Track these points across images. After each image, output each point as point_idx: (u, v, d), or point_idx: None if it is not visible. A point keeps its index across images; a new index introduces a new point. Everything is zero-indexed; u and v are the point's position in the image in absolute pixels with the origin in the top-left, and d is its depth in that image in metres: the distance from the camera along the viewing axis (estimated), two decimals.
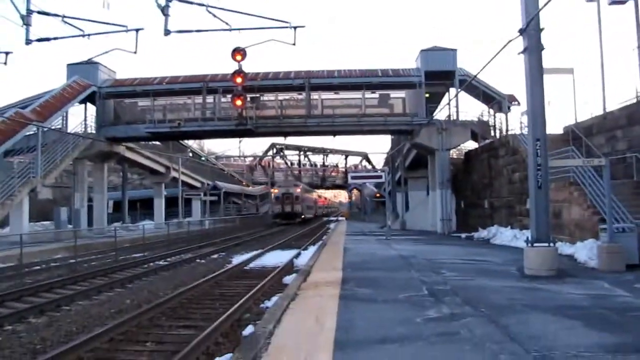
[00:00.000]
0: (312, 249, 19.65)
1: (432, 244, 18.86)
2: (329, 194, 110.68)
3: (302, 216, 50.45)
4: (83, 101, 27.78)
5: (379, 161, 68.74)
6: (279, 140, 68.78)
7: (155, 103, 28.88)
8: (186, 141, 47.32)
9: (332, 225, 43.23)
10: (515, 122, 73.66)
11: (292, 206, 48.95)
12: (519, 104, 26.48)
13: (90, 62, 27.40)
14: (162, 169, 39.41)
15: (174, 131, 27.65)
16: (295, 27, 16.84)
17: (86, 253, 18.93)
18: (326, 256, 14.28)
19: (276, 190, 50.58)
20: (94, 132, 28.07)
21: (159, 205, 38.91)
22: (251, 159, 75.89)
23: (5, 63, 15.68)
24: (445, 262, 12.12)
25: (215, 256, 19.40)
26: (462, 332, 5.52)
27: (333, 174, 78.43)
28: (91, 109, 28.58)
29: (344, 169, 77.19)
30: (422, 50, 26.85)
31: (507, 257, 13.05)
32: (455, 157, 30.81)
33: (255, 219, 53.21)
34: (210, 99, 28.17)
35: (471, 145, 28.81)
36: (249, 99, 25.72)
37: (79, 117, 28.61)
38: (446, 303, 7.04)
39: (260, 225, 45.62)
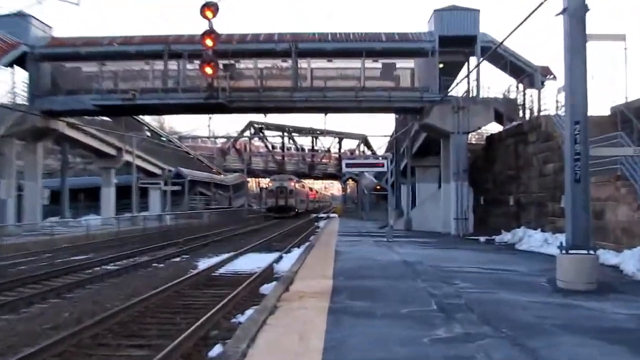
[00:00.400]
0: (296, 252, 19.69)
1: (444, 248, 18.92)
2: (318, 185, 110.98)
3: (296, 210, 61.26)
4: (10, 64, 27.31)
5: (380, 146, 68.69)
6: (258, 118, 68.50)
7: (104, 69, 28.51)
8: (143, 117, 46.89)
9: (321, 224, 43.24)
10: (549, 100, 73.86)
11: (286, 200, 59.28)
12: (554, 78, 26.54)
13: (19, 15, 26.92)
14: (112, 151, 39.06)
15: (128, 104, 27.36)
16: None
17: (14, 255, 18.74)
18: (314, 261, 14.29)
19: (270, 184, 62.33)
20: (25, 103, 27.66)
21: (108, 196, 38.61)
22: (223, 140, 75.62)
23: None
24: (459, 271, 12.17)
25: (177, 259, 19.41)
26: (477, 356, 5.52)
27: (324, 160, 78.46)
28: (21, 74, 28.16)
29: (337, 155, 77.18)
30: (436, 11, 26.73)
31: (536, 267, 13.14)
32: (474, 142, 30.88)
33: (228, 214, 53.22)
34: (173, 65, 27.87)
35: (494, 128, 28.89)
36: (221, 66, 25.49)
37: (6, 85, 28.18)
38: (459, 320, 7.05)
39: (234, 222, 45.57)
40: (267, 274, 14.92)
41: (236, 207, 63.89)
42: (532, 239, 18.84)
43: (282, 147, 78.63)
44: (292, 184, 62.03)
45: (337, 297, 8.63)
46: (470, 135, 28.16)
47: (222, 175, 67.63)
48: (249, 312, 9.30)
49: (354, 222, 41.63)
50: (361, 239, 23.47)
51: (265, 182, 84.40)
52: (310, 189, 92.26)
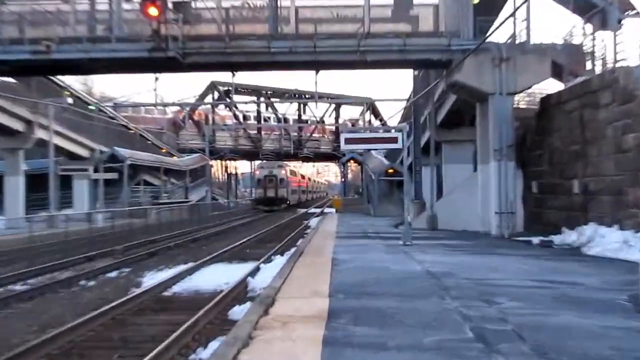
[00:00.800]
0: (279, 261, 19.82)
1: (483, 253, 18.95)
2: (308, 169, 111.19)
3: (287, 202, 73.89)
4: None
5: (392, 114, 68.57)
6: (224, 77, 68.23)
7: (5, 9, 28.21)
8: (63, 78, 46.60)
9: (313, 222, 43.36)
10: (630, 46, 73.63)
11: (276, 190, 70.87)
12: (638, 14, 26.40)
13: None
14: (19, 126, 38.84)
15: (40, 59, 27.13)
16: None
17: None
18: (303, 273, 14.27)
19: (257, 172, 74.97)
20: None
21: (15, 189, 38.54)
22: (176, 109, 75.31)
23: None
24: (503, 285, 12.17)
25: (113, 274, 19.58)
26: None
27: (315, 135, 78.44)
28: None
29: (333, 128, 77.13)
30: None
31: (613, 278, 13.16)
32: (523, 106, 30.81)
33: (184, 210, 53.19)
34: (103, 4, 27.65)
35: (552, 86, 28.79)
36: (170, 5, 25.30)
37: None
38: (505, 353, 7.00)
39: (193, 222, 45.58)
40: (239, 293, 15.04)
41: (196, 200, 63.83)
42: (606, 240, 18.86)
43: (258, 118, 78.61)
44: (284, 171, 73.01)
45: (335, 323, 8.58)
46: (517, 98, 28.07)
47: (175, 158, 67.49)
48: (213, 345, 9.32)
49: (357, 219, 41.72)
50: (368, 242, 23.53)
51: (234, 165, 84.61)
52: (302, 177, 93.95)
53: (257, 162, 78.22)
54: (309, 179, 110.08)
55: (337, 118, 79.19)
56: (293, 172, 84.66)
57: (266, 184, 71.65)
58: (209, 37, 27.38)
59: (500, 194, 25.41)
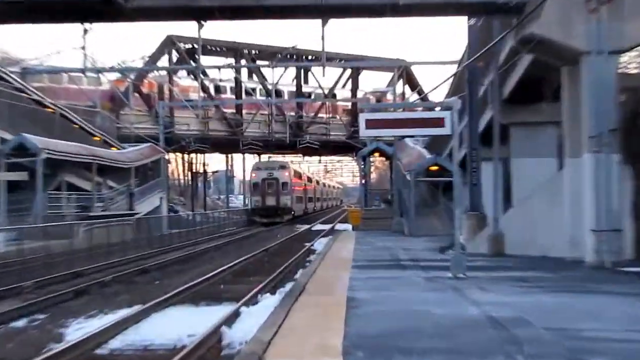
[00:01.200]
0: (268, 302, 20.00)
1: (571, 291, 18.93)
2: (311, 166, 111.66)
3: (292, 212, 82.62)
4: None
5: (437, 85, 68.18)
6: (187, 30, 68.21)
7: None
8: None
9: (318, 244, 43.36)
10: None
11: (278, 198, 78.74)
12: None
13: None
14: None
15: None
16: None
17: None
18: (304, 320, 14.30)
19: (253, 175, 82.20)
20: None
21: None
22: (116, 77, 75.14)
23: None
24: (602, 338, 12.14)
25: (20, 323, 19.47)
26: None
27: (322, 115, 78.42)
28: None
29: (348, 105, 77.10)
30: None
31: None
32: (634, 71, 30.71)
33: (128, 228, 53.19)
34: None
35: None
36: None
37: None
38: None
39: (140, 244, 45.56)
40: (210, 349, 15.03)
41: (145, 212, 63.74)
42: None
43: (237, 90, 78.46)
44: (287, 173, 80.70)
45: None
46: (625, 58, 27.94)
47: (114, 149, 67.36)
48: None
49: (384, 239, 41.81)
50: (400, 273, 23.62)
51: (201, 160, 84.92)
52: (309, 179, 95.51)
53: (249, 159, 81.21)
54: (317, 181, 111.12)
55: (354, 90, 79.14)
56: (298, 174, 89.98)
57: (265, 190, 78.86)
58: None
59: (598, 203, 25.20)
